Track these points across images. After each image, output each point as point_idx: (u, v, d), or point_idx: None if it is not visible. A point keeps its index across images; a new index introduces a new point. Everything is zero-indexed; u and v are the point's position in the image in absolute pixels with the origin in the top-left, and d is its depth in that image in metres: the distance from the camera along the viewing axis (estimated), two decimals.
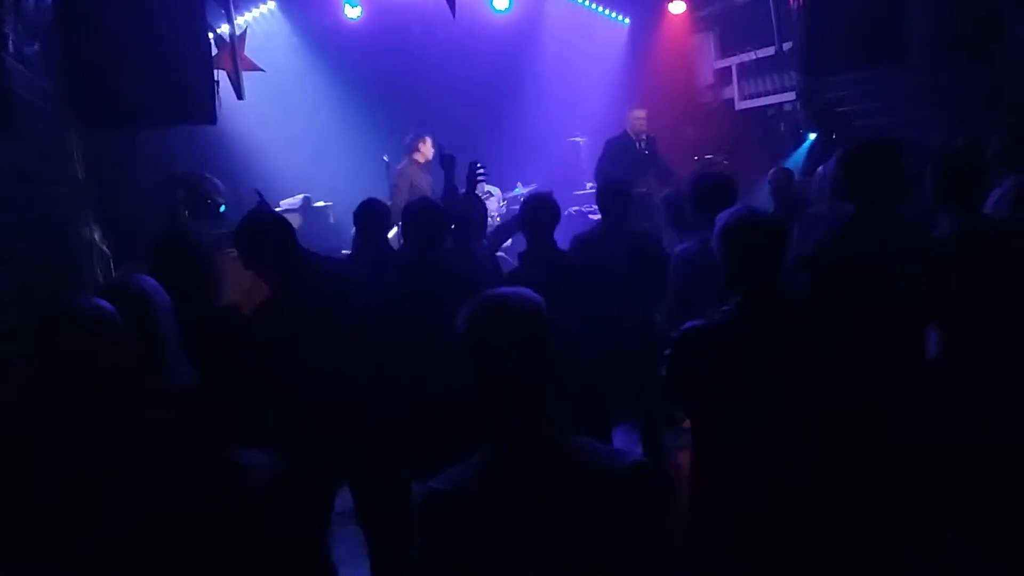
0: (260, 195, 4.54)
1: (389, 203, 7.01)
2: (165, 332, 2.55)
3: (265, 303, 3.54)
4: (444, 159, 4.89)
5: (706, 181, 4.08)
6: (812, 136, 6.94)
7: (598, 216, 8.53)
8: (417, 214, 3.99)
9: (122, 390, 2.13)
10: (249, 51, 6.43)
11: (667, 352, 2.64)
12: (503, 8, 9.26)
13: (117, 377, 2.13)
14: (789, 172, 6.14)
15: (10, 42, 3.69)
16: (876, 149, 3.39)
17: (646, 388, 4.46)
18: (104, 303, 2.18)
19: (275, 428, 3.09)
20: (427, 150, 7.79)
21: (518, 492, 1.71)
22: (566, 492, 1.71)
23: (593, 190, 8.62)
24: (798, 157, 7.02)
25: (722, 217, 2.60)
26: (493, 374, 1.76)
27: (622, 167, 7.92)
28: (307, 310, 3.44)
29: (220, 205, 5.74)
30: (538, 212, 4.18)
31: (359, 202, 4.60)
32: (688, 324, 2.61)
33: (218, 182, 6.16)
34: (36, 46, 4.16)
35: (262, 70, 6.49)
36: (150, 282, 2.59)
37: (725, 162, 8.58)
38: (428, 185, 7.69)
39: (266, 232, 3.52)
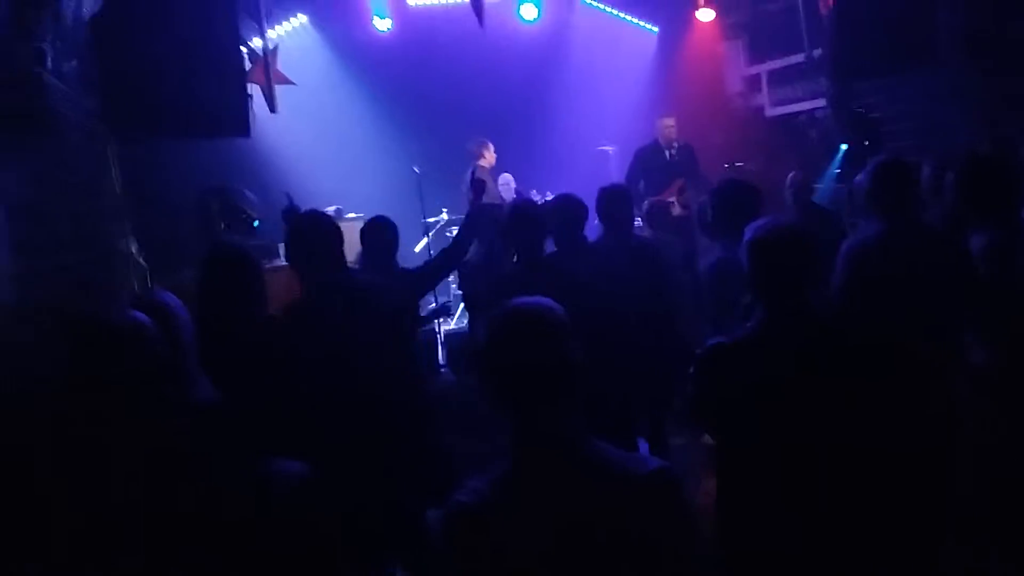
0: (289, 198, 4.59)
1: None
2: (187, 347, 2.60)
3: (297, 304, 3.58)
4: (475, 183, 4.81)
5: (728, 188, 4.05)
6: (844, 147, 6.88)
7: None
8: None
9: (154, 400, 2.17)
10: (281, 65, 6.53)
11: (691, 370, 2.58)
12: (531, 18, 9.31)
13: (151, 387, 2.17)
14: (807, 176, 6.09)
15: (48, 59, 3.79)
16: (897, 167, 3.45)
17: (655, 397, 4.42)
18: (140, 315, 2.23)
19: (309, 439, 3.16)
20: (491, 155, 7.95)
21: (541, 501, 1.72)
22: (589, 499, 1.72)
23: None
24: (833, 168, 6.98)
25: (750, 229, 2.55)
26: (514, 382, 1.77)
27: (651, 176, 7.92)
28: (338, 317, 3.45)
29: (254, 219, 5.81)
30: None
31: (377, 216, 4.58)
32: (712, 341, 2.57)
33: (252, 196, 6.26)
34: (74, 62, 4.26)
35: (294, 83, 6.59)
36: (171, 298, 2.65)
37: (753, 170, 8.54)
38: (494, 190, 7.80)
39: (314, 231, 3.56)
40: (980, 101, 5.63)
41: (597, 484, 1.74)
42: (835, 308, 3.50)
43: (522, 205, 4.21)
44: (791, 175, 5.96)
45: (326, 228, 3.58)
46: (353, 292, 3.58)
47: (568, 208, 4.27)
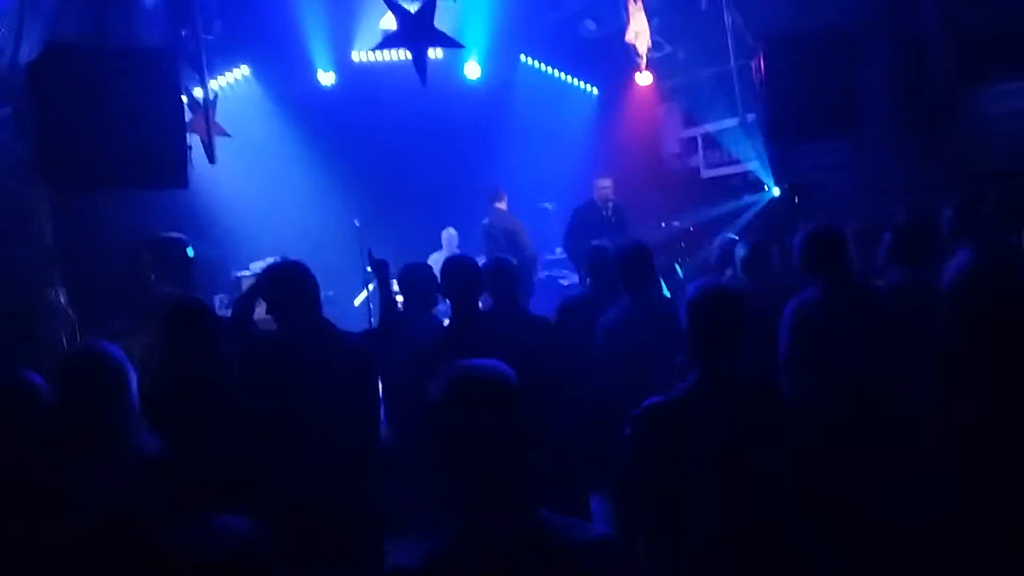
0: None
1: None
2: (130, 400, 2.55)
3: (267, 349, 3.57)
4: (376, 264, 4.53)
5: (625, 248, 4.26)
6: (774, 191, 7.04)
7: (567, 281, 8.73)
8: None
9: (63, 461, 2.14)
10: (222, 115, 6.51)
11: (626, 432, 2.58)
12: (475, 78, 9.46)
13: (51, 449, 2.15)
14: (734, 240, 6.14)
15: None
16: (829, 233, 3.71)
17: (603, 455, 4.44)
18: (35, 377, 2.22)
19: (264, 494, 3.12)
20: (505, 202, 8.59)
21: (483, 567, 1.70)
22: (535, 567, 1.70)
23: (563, 256, 8.77)
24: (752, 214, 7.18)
25: (688, 290, 2.62)
26: (464, 446, 1.74)
27: (588, 234, 8.04)
28: (307, 366, 3.45)
29: (187, 252, 5.74)
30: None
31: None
32: (648, 401, 2.58)
33: (181, 236, 6.15)
34: (8, 108, 4.20)
35: (229, 135, 6.56)
36: (115, 351, 2.61)
37: (691, 229, 8.75)
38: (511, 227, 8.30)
39: (293, 282, 3.57)
40: (902, 167, 5.91)
41: (543, 550, 1.72)
42: (781, 364, 3.65)
43: (457, 261, 4.21)
44: (719, 238, 6.06)
45: (303, 277, 3.59)
46: (326, 341, 3.58)
47: (501, 270, 4.20)
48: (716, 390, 2.49)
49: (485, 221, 8.48)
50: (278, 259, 5.11)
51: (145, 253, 4.37)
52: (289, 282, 3.59)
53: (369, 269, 4.64)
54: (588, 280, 4.81)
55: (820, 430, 2.59)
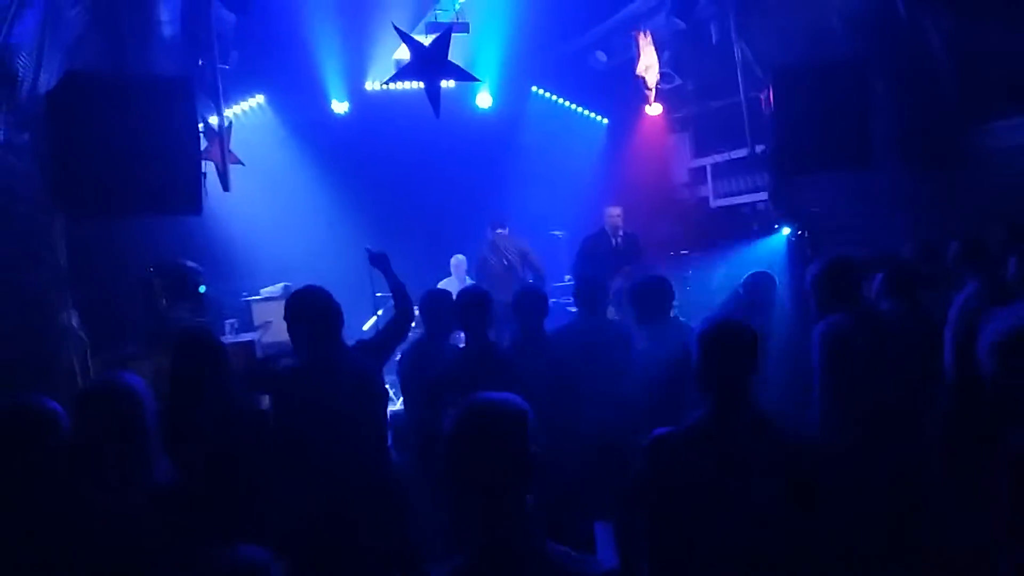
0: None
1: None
2: (148, 429, 2.58)
3: (287, 375, 3.60)
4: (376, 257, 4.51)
5: (644, 281, 4.40)
6: (785, 231, 7.09)
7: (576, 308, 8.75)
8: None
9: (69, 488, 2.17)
10: (237, 143, 6.60)
11: (634, 461, 2.62)
12: (487, 107, 9.56)
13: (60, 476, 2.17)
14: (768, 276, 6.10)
15: (0, 131, 3.80)
16: (848, 262, 3.88)
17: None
18: (51, 404, 2.24)
19: (282, 526, 3.14)
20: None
21: None
22: None
23: (572, 283, 8.80)
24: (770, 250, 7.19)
25: (699, 325, 2.65)
26: (476, 480, 1.78)
27: (598, 263, 8.07)
28: (327, 392, 3.50)
29: (199, 287, 5.78)
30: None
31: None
32: (657, 431, 2.61)
33: (196, 267, 6.22)
34: (26, 136, 4.27)
35: (242, 164, 6.64)
36: (135, 380, 2.64)
37: (698, 257, 8.76)
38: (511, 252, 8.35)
39: (312, 307, 3.62)
40: (909, 201, 5.92)
41: None
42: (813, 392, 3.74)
43: (472, 291, 4.27)
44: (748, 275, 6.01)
45: (324, 304, 3.64)
46: (345, 368, 3.63)
47: (525, 300, 4.36)
48: (724, 425, 2.51)
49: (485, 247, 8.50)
50: (291, 286, 5.13)
51: (157, 278, 4.42)
52: (315, 309, 3.64)
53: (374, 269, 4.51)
54: (578, 309, 4.86)
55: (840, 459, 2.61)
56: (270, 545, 2.05)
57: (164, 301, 4.42)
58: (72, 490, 2.20)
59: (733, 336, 2.56)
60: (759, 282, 5.31)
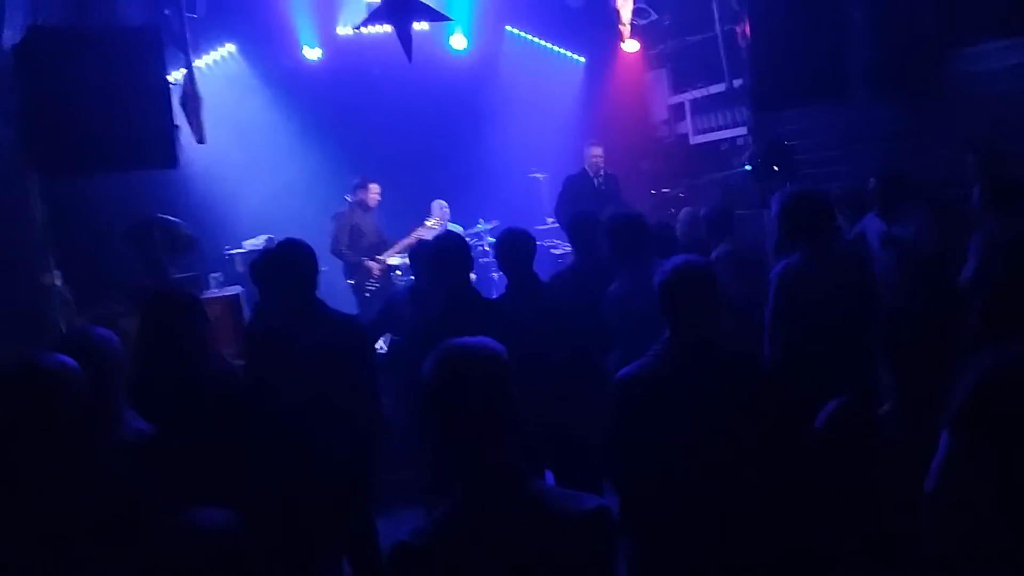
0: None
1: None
2: (118, 384, 2.60)
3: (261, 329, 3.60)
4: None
5: (620, 223, 4.24)
6: (748, 167, 7.04)
7: (559, 251, 8.76)
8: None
9: (83, 443, 2.16)
10: (209, 93, 6.49)
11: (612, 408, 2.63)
12: (461, 48, 9.43)
13: (79, 431, 2.16)
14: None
15: None
16: (811, 199, 3.83)
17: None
18: (67, 359, 2.22)
19: (254, 486, 3.17)
20: (373, 196, 8.19)
21: (486, 542, 1.76)
22: (532, 537, 1.77)
23: (554, 224, 8.81)
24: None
25: (659, 270, 2.67)
26: (459, 422, 1.82)
27: (581, 203, 8.05)
28: (303, 348, 3.47)
29: (193, 241, 5.76)
30: (515, 248, 4.06)
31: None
32: (622, 372, 2.64)
33: (183, 223, 6.18)
34: None
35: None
36: (106, 333, 2.64)
37: (681, 195, 8.77)
38: (373, 228, 8.10)
39: (287, 258, 3.60)
40: (885, 132, 5.93)
41: (540, 521, 1.79)
42: (766, 328, 3.74)
43: (446, 239, 4.18)
44: (682, 211, 6.01)
45: (301, 255, 3.61)
46: (323, 320, 3.61)
47: (514, 242, 4.13)
48: (692, 361, 2.55)
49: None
50: (273, 238, 5.12)
51: (153, 231, 4.38)
52: (287, 262, 3.61)
53: None
54: (574, 249, 4.77)
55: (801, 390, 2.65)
56: (236, 504, 2.07)
57: (163, 257, 4.40)
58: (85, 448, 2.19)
59: (691, 273, 2.60)
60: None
